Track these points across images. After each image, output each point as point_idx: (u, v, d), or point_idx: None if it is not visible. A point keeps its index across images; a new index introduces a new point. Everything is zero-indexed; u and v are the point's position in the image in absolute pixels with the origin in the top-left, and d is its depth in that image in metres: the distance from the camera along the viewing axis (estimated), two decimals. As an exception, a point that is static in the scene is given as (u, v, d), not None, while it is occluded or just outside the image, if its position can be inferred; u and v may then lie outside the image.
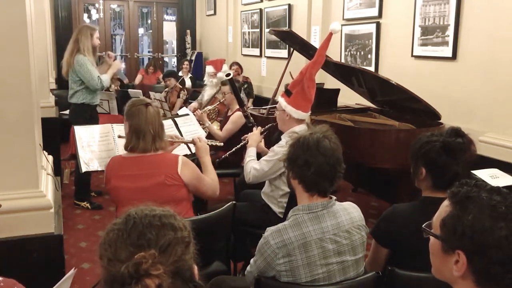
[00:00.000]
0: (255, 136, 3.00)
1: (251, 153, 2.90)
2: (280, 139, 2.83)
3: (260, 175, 2.73)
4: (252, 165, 2.77)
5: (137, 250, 0.94)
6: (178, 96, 6.29)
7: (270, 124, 3.14)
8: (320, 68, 2.80)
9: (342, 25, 5.24)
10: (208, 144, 2.67)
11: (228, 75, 3.60)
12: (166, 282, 0.92)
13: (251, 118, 3.68)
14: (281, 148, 2.63)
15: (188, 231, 1.04)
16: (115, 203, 2.39)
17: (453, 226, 1.04)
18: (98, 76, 4.06)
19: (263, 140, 3.15)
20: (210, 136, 4.11)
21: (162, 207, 1.07)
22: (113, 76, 5.40)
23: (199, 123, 3.57)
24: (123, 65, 9.23)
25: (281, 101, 2.76)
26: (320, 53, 2.75)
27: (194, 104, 5.73)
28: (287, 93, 2.75)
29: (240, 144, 3.15)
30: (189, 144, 2.86)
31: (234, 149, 3.19)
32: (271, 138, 3.50)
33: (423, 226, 1.15)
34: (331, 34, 2.81)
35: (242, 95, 5.18)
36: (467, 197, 1.05)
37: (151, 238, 0.97)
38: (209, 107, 4.81)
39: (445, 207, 1.09)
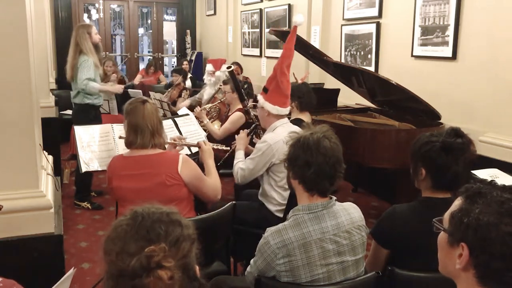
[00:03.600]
0: (241, 140, 3.01)
1: (238, 155, 2.92)
2: None
3: (247, 174, 2.74)
4: (239, 166, 2.80)
5: (147, 244, 0.95)
6: (180, 95, 6.29)
7: (254, 124, 3.15)
8: (290, 61, 2.81)
9: (342, 25, 5.24)
10: (214, 147, 2.67)
11: (229, 67, 3.60)
12: (177, 275, 0.93)
13: (252, 113, 3.67)
14: (262, 144, 2.66)
15: (193, 230, 1.05)
16: (117, 202, 2.39)
17: (460, 219, 1.05)
18: (87, 79, 4.00)
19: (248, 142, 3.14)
20: (211, 136, 4.11)
21: (167, 206, 1.08)
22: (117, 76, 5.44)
23: (198, 120, 3.56)
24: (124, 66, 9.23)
25: (259, 98, 2.80)
26: (287, 46, 2.78)
27: (187, 102, 5.74)
28: (264, 90, 2.78)
29: (230, 151, 3.13)
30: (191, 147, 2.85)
31: (226, 155, 3.18)
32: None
33: (434, 219, 1.15)
34: (295, 27, 2.82)
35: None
36: (478, 193, 1.06)
37: (161, 233, 0.98)
38: (210, 105, 4.81)
39: (457, 202, 1.10)
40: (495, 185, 1.08)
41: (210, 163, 2.53)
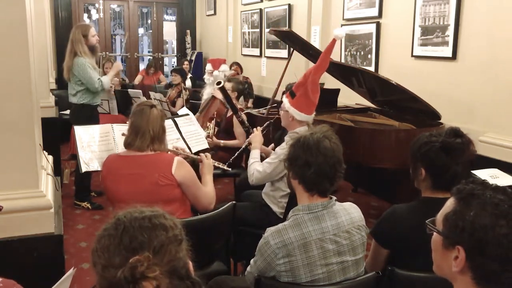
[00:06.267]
0: (257, 137, 2.99)
1: (254, 155, 2.89)
2: (282, 138, 2.83)
3: (263, 177, 2.73)
4: (255, 167, 2.77)
5: (131, 254, 0.93)
6: (179, 96, 6.29)
7: (268, 122, 3.15)
8: (323, 72, 2.80)
9: (342, 25, 5.24)
10: (215, 165, 2.67)
11: (219, 83, 3.55)
12: (164, 283, 0.92)
13: (246, 122, 3.67)
14: (283, 150, 2.64)
15: (180, 229, 1.03)
16: (110, 201, 2.39)
17: (455, 221, 1.05)
18: (99, 78, 4.07)
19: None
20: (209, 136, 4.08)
21: (151, 207, 1.06)
22: (118, 80, 5.43)
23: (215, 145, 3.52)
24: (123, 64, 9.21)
25: (285, 101, 2.75)
26: (323, 58, 2.74)
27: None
28: (291, 94, 2.74)
29: (242, 148, 3.14)
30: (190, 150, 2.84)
31: (236, 153, 3.18)
32: (272, 136, 3.50)
33: (427, 221, 1.15)
34: (334, 40, 2.80)
35: (241, 99, 5.14)
36: (471, 194, 1.06)
37: (144, 241, 0.96)
38: (211, 127, 4.64)
39: (449, 203, 1.10)
40: (487, 185, 1.08)
41: (208, 177, 2.52)
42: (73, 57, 4.04)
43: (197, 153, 2.87)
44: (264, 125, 3.13)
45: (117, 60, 9.27)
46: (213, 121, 4.57)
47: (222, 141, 4.08)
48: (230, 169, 2.94)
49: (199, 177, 2.46)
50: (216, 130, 4.40)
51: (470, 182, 1.10)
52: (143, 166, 2.21)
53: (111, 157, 2.33)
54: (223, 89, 3.55)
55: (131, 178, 2.20)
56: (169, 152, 2.62)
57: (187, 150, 2.82)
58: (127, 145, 2.27)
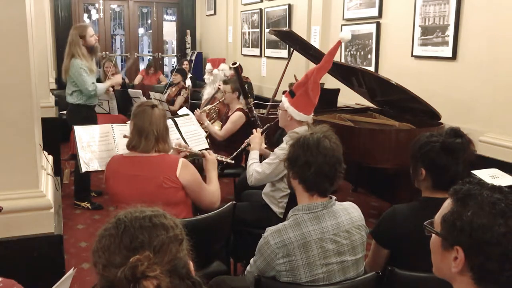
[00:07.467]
0: (257, 139, 2.98)
1: (253, 156, 2.89)
2: (281, 139, 2.83)
3: (262, 178, 2.73)
4: (254, 168, 2.76)
5: (132, 254, 0.94)
6: (179, 94, 6.31)
7: (268, 124, 3.14)
8: (325, 73, 2.80)
9: (342, 25, 5.25)
10: (217, 159, 2.66)
11: (234, 63, 3.59)
12: (164, 282, 0.92)
13: (255, 112, 3.67)
14: (282, 151, 2.63)
15: (180, 229, 1.03)
16: (113, 202, 2.37)
17: (453, 222, 1.05)
18: (93, 83, 4.05)
19: (263, 141, 3.15)
20: (211, 137, 4.11)
21: (151, 207, 1.06)
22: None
23: (199, 122, 3.55)
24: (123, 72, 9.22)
25: (284, 101, 2.74)
26: (327, 59, 2.73)
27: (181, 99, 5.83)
28: (291, 93, 2.74)
29: (241, 148, 3.13)
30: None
31: (235, 153, 3.19)
32: (271, 138, 3.50)
33: (425, 223, 1.15)
34: (339, 42, 2.79)
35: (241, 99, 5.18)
36: (468, 195, 1.06)
37: (144, 240, 0.96)
38: (209, 106, 4.81)
39: (447, 204, 1.10)
40: (483, 185, 1.08)
41: (213, 174, 2.50)
42: (70, 58, 4.03)
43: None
44: (264, 127, 3.13)
45: (117, 59, 9.27)
46: (215, 104, 4.67)
47: (207, 121, 4.22)
48: (233, 161, 2.93)
49: (203, 176, 2.45)
50: (211, 110, 4.58)
51: (467, 182, 1.10)
52: (147, 168, 2.20)
53: (115, 158, 2.31)
54: (237, 70, 3.57)
55: (135, 179, 2.18)
56: (172, 150, 2.62)
57: (188, 146, 2.81)
58: (131, 148, 2.24)
